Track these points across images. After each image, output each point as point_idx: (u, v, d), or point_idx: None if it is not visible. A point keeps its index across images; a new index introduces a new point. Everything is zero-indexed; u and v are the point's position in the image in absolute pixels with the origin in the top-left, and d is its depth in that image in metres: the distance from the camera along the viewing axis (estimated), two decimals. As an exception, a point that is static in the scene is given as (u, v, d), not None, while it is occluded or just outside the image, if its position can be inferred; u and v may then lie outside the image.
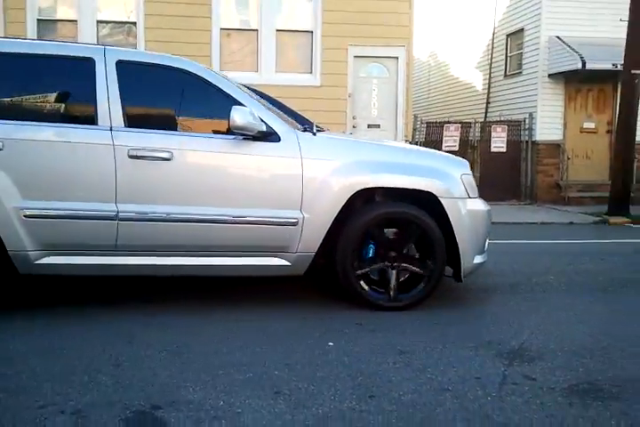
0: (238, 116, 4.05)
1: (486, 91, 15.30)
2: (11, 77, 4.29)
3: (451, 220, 4.36)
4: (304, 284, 5.04)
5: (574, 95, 13.32)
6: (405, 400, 2.84)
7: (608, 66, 11.96)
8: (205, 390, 2.88)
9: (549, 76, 13.04)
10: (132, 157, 4.09)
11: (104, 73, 4.21)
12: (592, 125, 13.34)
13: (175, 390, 2.89)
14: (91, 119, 4.16)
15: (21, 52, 4.27)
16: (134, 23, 11.38)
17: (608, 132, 13.26)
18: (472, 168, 5.22)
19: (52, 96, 4.35)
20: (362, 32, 11.73)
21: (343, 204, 4.27)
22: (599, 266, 6.33)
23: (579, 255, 6.99)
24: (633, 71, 9.92)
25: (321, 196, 4.26)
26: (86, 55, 4.26)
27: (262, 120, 4.20)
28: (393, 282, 4.35)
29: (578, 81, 13.05)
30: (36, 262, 4.05)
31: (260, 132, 4.15)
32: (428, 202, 4.39)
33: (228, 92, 4.33)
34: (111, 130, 4.12)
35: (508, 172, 13.18)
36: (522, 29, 13.85)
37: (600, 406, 2.82)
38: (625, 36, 10.39)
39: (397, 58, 12.33)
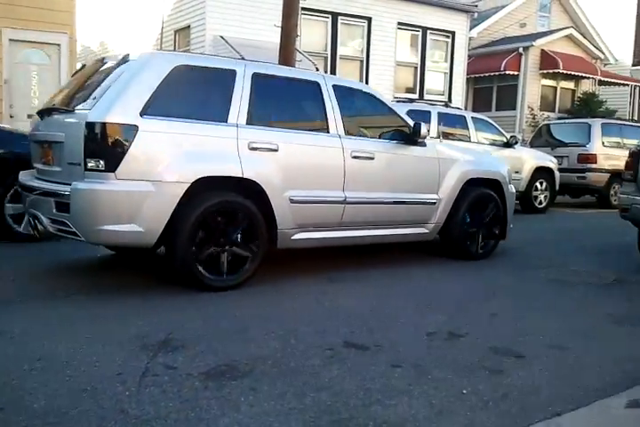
0: (424, 129, 6.00)
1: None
2: (272, 95, 5.38)
3: (505, 196, 6.80)
4: None
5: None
6: (38, 408, 2.69)
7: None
8: None
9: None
10: (354, 157, 5.55)
11: (328, 94, 5.56)
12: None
13: None
14: (324, 129, 5.50)
15: (274, 74, 5.37)
16: None
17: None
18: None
19: (298, 110, 5.73)
20: (19, 14, 10.85)
21: (460, 188, 6.37)
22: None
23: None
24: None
25: (449, 183, 6.29)
26: (313, 79, 5.61)
27: None
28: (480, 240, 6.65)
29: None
30: (292, 238, 5.23)
31: (423, 139, 6.09)
32: (492, 185, 6.76)
33: (394, 109, 6.15)
34: (340, 137, 5.51)
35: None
36: (189, 26, 14.14)
37: (233, 385, 3.01)
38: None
39: (59, 45, 11.68)
